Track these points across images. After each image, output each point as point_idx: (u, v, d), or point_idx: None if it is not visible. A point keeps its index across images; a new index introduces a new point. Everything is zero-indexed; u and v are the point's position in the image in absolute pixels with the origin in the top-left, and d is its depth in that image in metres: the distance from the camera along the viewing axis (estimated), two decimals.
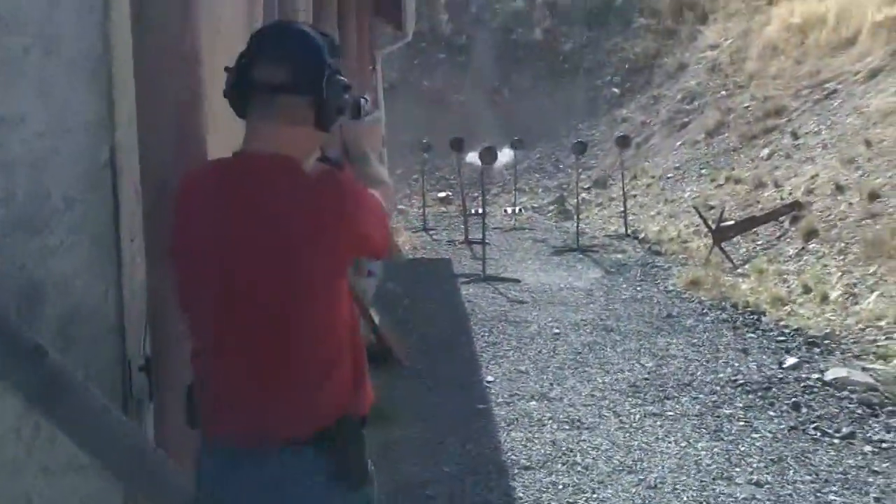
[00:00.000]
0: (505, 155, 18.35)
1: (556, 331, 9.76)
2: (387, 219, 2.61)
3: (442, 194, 22.40)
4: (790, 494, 5.50)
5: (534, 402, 7.36)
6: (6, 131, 2.91)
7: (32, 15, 3.03)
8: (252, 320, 2.36)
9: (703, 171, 17.82)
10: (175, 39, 3.18)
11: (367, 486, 2.48)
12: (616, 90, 24.53)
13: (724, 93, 20.27)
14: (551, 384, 7.86)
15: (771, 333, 9.41)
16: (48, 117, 3.12)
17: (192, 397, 2.54)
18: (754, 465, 5.94)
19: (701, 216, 13.90)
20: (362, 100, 2.90)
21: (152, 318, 3.50)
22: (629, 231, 16.80)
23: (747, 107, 18.74)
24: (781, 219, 13.25)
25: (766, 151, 16.46)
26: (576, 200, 18.11)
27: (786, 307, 10.36)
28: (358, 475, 2.44)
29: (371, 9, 15.48)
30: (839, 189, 12.85)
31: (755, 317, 10.12)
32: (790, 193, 13.93)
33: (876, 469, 5.88)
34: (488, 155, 13.77)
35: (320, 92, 2.43)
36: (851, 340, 8.98)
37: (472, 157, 16.48)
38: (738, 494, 5.50)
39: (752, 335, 9.40)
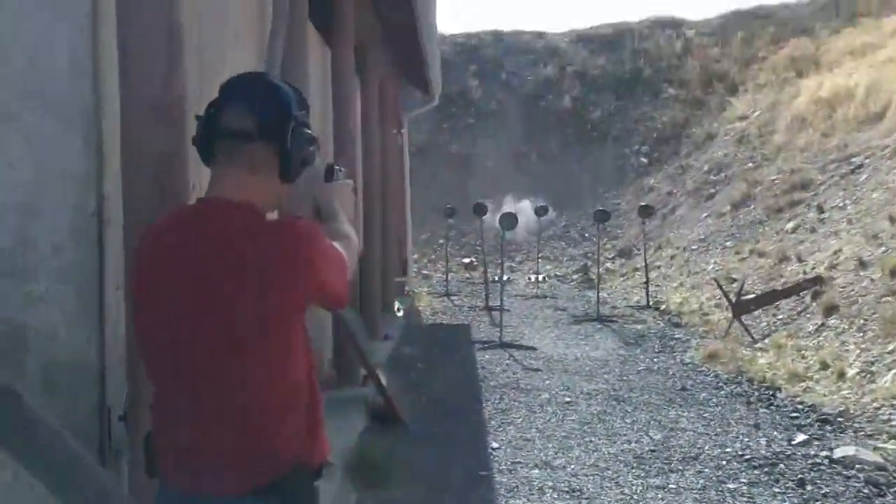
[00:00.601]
0: (528, 220, 18.38)
1: (567, 399, 9.70)
2: (347, 270, 2.59)
3: (467, 260, 22.44)
4: None
5: (536, 471, 7.29)
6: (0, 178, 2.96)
7: (26, 68, 3.09)
8: (204, 367, 2.36)
9: (727, 244, 17.77)
10: (160, 91, 3.22)
11: None
12: (644, 159, 24.61)
13: (751, 164, 20.28)
14: (556, 453, 7.78)
15: (785, 409, 9.30)
16: (38, 167, 3.17)
17: (149, 446, 2.53)
18: None
19: (721, 289, 13.82)
20: (335, 167, 2.96)
21: (130, 367, 3.51)
22: (651, 302, 16.74)
23: (774, 179, 18.72)
24: (802, 294, 13.15)
25: (790, 225, 16.40)
26: (598, 269, 18.04)
27: (802, 383, 10.24)
28: None
29: (398, 73, 15.65)
30: (862, 264, 12.75)
31: (771, 392, 10.00)
32: (813, 268, 13.84)
33: None
34: (508, 221, 13.79)
35: (285, 142, 2.47)
36: (865, 419, 8.85)
37: (493, 222, 16.45)
38: None
39: (766, 410, 9.29)
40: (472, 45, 29.02)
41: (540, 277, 20.48)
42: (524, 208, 19.74)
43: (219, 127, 2.47)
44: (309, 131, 2.55)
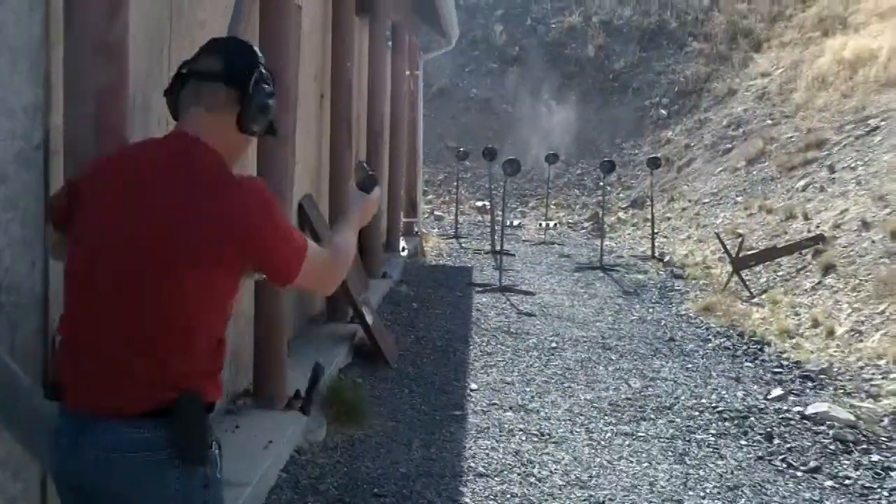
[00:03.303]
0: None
1: (554, 345, 9.81)
2: (302, 253, 2.66)
3: (480, 203, 22.47)
4: None
5: (510, 413, 7.42)
6: None
7: None
8: (117, 289, 2.50)
9: (738, 199, 17.77)
10: (102, 29, 3.30)
11: (205, 465, 2.55)
12: (663, 111, 24.49)
13: (769, 121, 20.17)
14: (533, 397, 7.91)
15: (769, 364, 9.40)
16: None
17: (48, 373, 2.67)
18: (708, 491, 5.96)
19: (722, 243, 13.87)
20: (370, 171, 3.08)
21: None
22: (656, 253, 16.80)
23: (790, 137, 18.63)
24: (804, 251, 13.17)
25: (801, 183, 16.36)
26: (602, 219, 18.11)
27: (792, 339, 10.34)
28: (195, 453, 2.51)
29: (413, 16, 15.63)
30: (865, 225, 12.78)
31: (759, 346, 10.09)
32: (818, 226, 13.86)
33: None
34: (511, 167, 13.83)
35: (247, 88, 2.63)
36: (848, 377, 8.95)
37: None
38: None
39: (750, 364, 9.39)
40: None
41: (550, 224, 20.53)
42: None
43: (190, 70, 2.66)
44: (268, 86, 2.70)
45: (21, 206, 3.49)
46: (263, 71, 2.68)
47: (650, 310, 12.12)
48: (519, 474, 6.08)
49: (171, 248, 2.46)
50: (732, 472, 6.35)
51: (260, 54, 2.74)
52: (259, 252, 2.59)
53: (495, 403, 7.67)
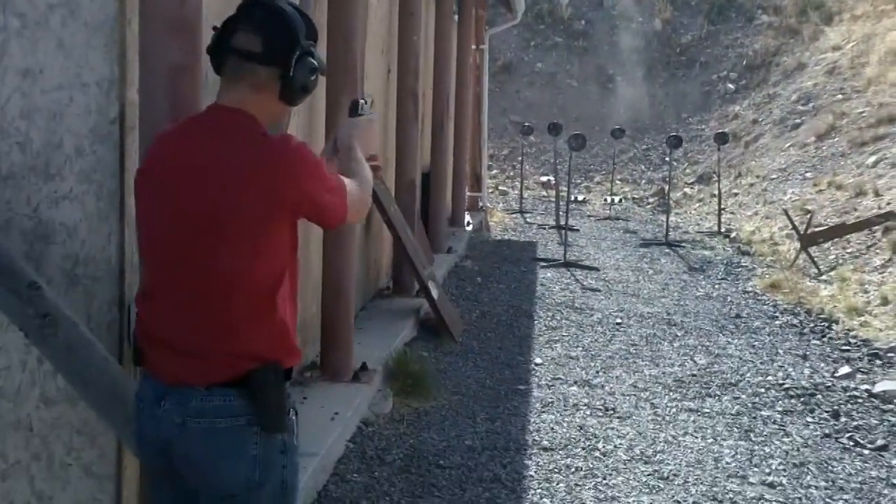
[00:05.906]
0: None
1: (619, 321, 9.80)
2: (344, 193, 2.73)
3: (545, 178, 22.41)
4: (800, 498, 5.50)
5: (574, 388, 7.44)
6: (29, 83, 3.15)
7: None
8: (188, 259, 2.57)
9: (807, 175, 17.53)
10: (176, 5, 3.36)
11: (283, 432, 2.62)
12: (731, 86, 24.18)
13: (840, 96, 19.84)
14: (597, 372, 7.92)
15: (837, 342, 9.30)
16: (66, 72, 3.36)
17: (136, 338, 2.74)
18: (773, 467, 5.94)
19: (790, 219, 13.71)
20: (361, 101, 3.11)
21: None
22: (722, 229, 16.66)
23: (861, 112, 18.33)
24: (873, 228, 12.98)
25: (872, 159, 16.11)
26: (668, 194, 17.99)
27: (860, 317, 10.19)
28: (274, 420, 2.59)
29: None
30: None
31: (826, 324, 9.98)
32: (888, 203, 13.66)
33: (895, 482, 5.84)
34: (576, 141, 13.77)
35: (288, 68, 2.64)
36: None
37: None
38: (747, 493, 5.52)
39: (818, 342, 9.30)
40: None
41: (616, 199, 20.43)
42: None
43: (230, 44, 2.65)
44: (313, 60, 2.70)
45: (97, 179, 3.57)
46: (304, 44, 2.66)
47: (716, 286, 12.04)
48: (583, 448, 6.10)
49: (223, 219, 2.53)
50: (798, 450, 6.31)
51: (301, 22, 2.68)
52: (311, 210, 2.68)
53: (559, 378, 7.70)
